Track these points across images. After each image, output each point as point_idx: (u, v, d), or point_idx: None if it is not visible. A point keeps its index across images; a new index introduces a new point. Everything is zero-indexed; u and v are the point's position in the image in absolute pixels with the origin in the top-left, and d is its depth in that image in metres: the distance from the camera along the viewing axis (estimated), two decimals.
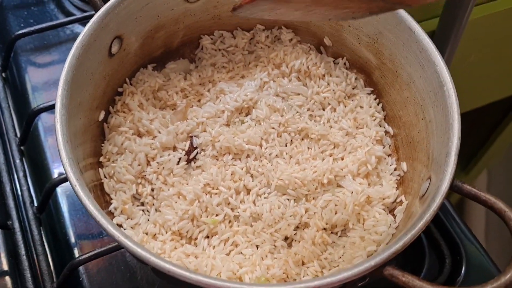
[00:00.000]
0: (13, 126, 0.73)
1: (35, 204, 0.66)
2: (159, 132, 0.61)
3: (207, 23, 0.67)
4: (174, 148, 0.61)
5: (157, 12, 0.61)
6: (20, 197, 0.67)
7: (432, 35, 0.91)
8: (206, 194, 0.57)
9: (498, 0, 0.93)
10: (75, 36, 0.84)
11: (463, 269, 0.64)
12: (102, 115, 0.59)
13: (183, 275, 0.39)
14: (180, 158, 0.60)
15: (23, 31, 0.76)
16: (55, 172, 0.69)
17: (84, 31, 0.52)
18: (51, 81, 0.80)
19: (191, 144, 0.61)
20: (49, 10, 0.91)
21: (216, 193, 0.58)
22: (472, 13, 0.85)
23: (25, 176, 0.68)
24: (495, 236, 1.48)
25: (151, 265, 0.40)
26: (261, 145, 0.62)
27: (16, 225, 0.64)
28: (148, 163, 0.60)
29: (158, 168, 0.59)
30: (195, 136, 0.62)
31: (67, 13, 0.89)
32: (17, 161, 0.69)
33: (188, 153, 0.61)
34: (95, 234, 0.66)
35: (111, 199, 0.57)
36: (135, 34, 0.60)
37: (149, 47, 0.64)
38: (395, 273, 0.41)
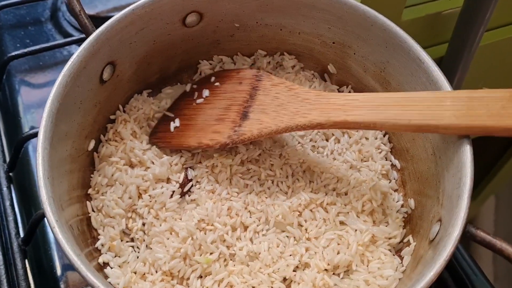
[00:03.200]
0: (2, 151, 0.70)
1: (21, 235, 0.63)
2: (152, 163, 0.58)
3: (206, 48, 0.64)
4: (168, 180, 0.58)
5: (153, 37, 0.58)
6: (6, 228, 0.63)
7: (440, 61, 0.87)
8: (200, 231, 0.54)
9: (510, 25, 0.90)
10: None
11: None
12: (92, 144, 0.56)
13: None
14: (173, 191, 0.56)
15: (17, 52, 0.74)
16: None
17: (73, 58, 0.49)
18: (45, 104, 0.77)
19: (186, 176, 0.58)
20: (47, 30, 0.89)
21: (211, 230, 0.54)
22: (483, 39, 0.82)
23: (11, 205, 0.65)
24: (504, 274, 1.43)
25: None
26: (260, 178, 0.59)
27: (0, 258, 0.60)
28: (140, 196, 0.56)
29: (150, 202, 0.56)
30: (190, 167, 0.59)
31: (65, 34, 0.87)
32: (4, 188, 0.66)
33: (182, 186, 0.57)
34: None
35: (99, 234, 0.53)
36: (129, 60, 0.57)
37: (144, 73, 0.61)
38: None
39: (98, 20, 0.78)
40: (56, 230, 0.39)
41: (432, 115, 0.46)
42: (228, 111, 0.58)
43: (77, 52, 0.49)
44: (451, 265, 0.64)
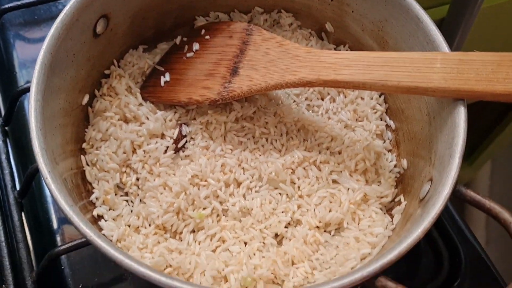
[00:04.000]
0: None
1: (17, 188, 0.63)
2: (147, 119, 0.58)
3: (202, 3, 0.63)
4: (162, 136, 0.58)
5: None
6: (1, 181, 0.64)
7: (440, 23, 0.86)
8: (194, 186, 0.54)
9: None
10: None
11: (462, 272, 0.61)
12: (86, 99, 0.56)
13: (157, 280, 0.37)
14: (167, 147, 0.57)
15: (11, 5, 0.72)
16: None
17: (65, 10, 0.48)
18: None
19: (180, 132, 0.58)
20: None
21: (204, 185, 0.55)
22: (485, 0, 0.80)
23: (7, 158, 0.65)
24: (496, 238, 1.44)
25: (124, 268, 0.37)
26: (254, 136, 0.59)
27: None
28: (134, 151, 0.57)
29: (144, 157, 0.56)
30: (184, 123, 0.59)
31: None
32: (0, 142, 0.66)
33: (176, 141, 0.57)
34: None
35: (93, 188, 0.54)
36: (123, 14, 0.56)
37: (139, 27, 0.60)
38: (388, 285, 0.38)
39: None
40: (49, 180, 0.39)
41: (422, 78, 0.46)
42: (218, 66, 0.58)
43: (70, 3, 0.48)
44: (442, 227, 0.65)
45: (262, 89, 0.54)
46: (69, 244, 0.54)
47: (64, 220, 0.63)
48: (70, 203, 0.39)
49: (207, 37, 0.60)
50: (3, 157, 0.65)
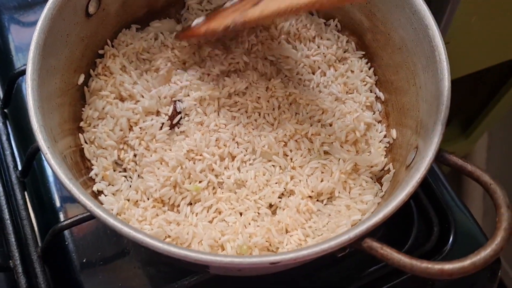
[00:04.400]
0: None
1: (19, 168, 0.65)
2: (142, 97, 0.59)
3: None
4: (157, 113, 0.60)
5: None
6: (3, 161, 0.66)
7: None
8: (189, 161, 0.56)
9: None
10: None
11: (451, 237, 0.63)
12: (81, 79, 0.57)
13: (156, 246, 0.39)
14: (163, 123, 0.58)
15: None
16: None
17: None
18: None
19: (175, 109, 0.59)
20: None
21: (199, 160, 0.57)
22: None
23: (8, 140, 0.67)
24: (493, 217, 1.46)
25: (124, 236, 0.39)
26: (247, 110, 0.60)
27: (0, 190, 0.63)
28: (131, 128, 0.58)
29: (141, 134, 0.58)
30: (178, 100, 0.60)
31: None
32: (0, 124, 0.67)
33: (171, 118, 0.59)
34: None
35: (92, 165, 0.56)
36: None
37: (131, 6, 0.61)
38: (373, 246, 0.40)
39: None
40: (48, 156, 0.41)
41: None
42: (247, 2, 0.57)
43: None
44: (433, 196, 0.66)
45: (274, 12, 0.51)
46: (72, 219, 0.56)
47: (66, 198, 0.65)
48: (70, 177, 0.41)
49: None
50: (4, 138, 0.66)
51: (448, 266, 0.38)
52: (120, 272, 0.61)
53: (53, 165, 0.41)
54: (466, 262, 0.38)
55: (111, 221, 0.39)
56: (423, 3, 0.52)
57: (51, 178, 0.66)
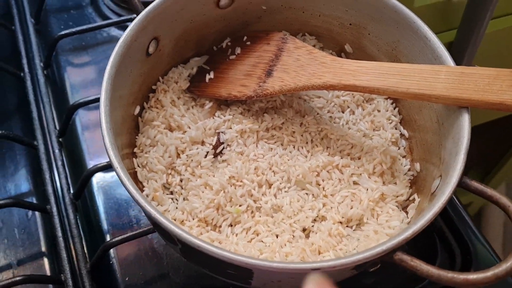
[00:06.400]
0: (53, 119, 0.79)
1: (72, 191, 0.71)
2: (189, 127, 0.66)
3: (236, 28, 0.72)
4: (202, 143, 0.66)
5: (191, 16, 0.66)
6: (58, 184, 0.72)
7: (449, 46, 0.94)
8: (231, 186, 0.62)
9: None
10: (111, 38, 0.90)
11: (472, 267, 0.67)
12: (137, 110, 0.64)
13: (212, 250, 0.44)
14: (207, 152, 0.64)
15: (66, 31, 0.82)
16: (90, 163, 0.74)
17: (126, 32, 0.57)
18: (88, 80, 0.86)
19: (218, 139, 0.66)
20: (87, 14, 0.97)
21: (240, 185, 0.62)
22: (489, 26, 0.88)
23: (63, 165, 0.73)
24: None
25: (182, 241, 0.44)
26: (282, 143, 0.66)
27: (54, 210, 0.69)
28: (178, 156, 0.64)
29: (187, 161, 0.64)
30: (222, 132, 0.66)
31: (104, 17, 0.95)
32: (56, 151, 0.74)
33: (215, 147, 0.65)
34: (125, 222, 0.71)
35: (144, 186, 0.62)
36: (169, 36, 0.65)
37: (182, 49, 0.69)
38: (404, 258, 0.45)
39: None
40: (119, 170, 0.47)
41: (427, 86, 0.54)
42: (255, 68, 0.66)
43: (130, 26, 0.57)
44: (455, 229, 0.71)
45: (291, 89, 0.62)
46: (122, 237, 0.62)
47: (113, 222, 0.71)
48: (136, 188, 0.47)
49: (248, 43, 0.69)
50: (59, 163, 0.73)
51: (472, 276, 0.42)
52: None
53: (123, 178, 0.47)
54: (489, 273, 0.42)
55: (172, 227, 0.45)
56: (444, 49, 0.59)
57: (99, 203, 0.72)
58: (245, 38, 0.70)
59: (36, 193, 0.74)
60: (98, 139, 0.77)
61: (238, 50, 0.69)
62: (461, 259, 0.68)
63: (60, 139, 0.77)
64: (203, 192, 0.61)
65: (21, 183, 0.75)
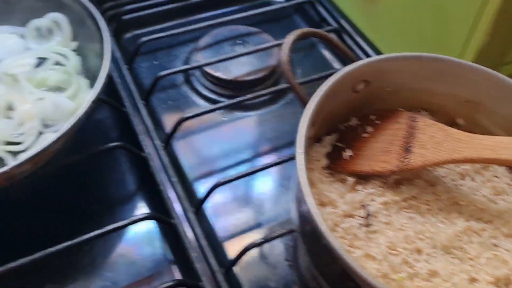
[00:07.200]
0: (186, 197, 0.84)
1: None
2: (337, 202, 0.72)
3: (361, 106, 0.79)
4: (351, 215, 0.72)
5: (336, 100, 0.73)
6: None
7: None
8: (390, 255, 0.67)
9: None
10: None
11: None
12: None
13: None
14: (360, 224, 0.70)
15: (189, 115, 0.88)
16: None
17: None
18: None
19: (368, 211, 0.72)
20: (183, 92, 1.04)
21: (395, 254, 0.68)
22: None
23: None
24: None
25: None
26: (419, 212, 0.73)
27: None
28: (333, 229, 0.70)
29: (344, 233, 0.69)
30: (368, 204, 0.73)
31: (199, 94, 1.02)
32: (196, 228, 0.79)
33: (365, 219, 0.71)
34: None
35: None
36: (319, 121, 0.72)
37: (318, 131, 0.76)
38: None
39: (236, 84, 0.94)
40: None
41: None
42: (391, 145, 0.73)
43: (302, 121, 0.64)
44: None
45: (433, 164, 0.69)
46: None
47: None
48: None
49: (377, 121, 0.76)
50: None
51: None
52: None
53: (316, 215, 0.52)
54: None
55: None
56: None
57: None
58: (372, 117, 0.78)
59: None
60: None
61: (369, 128, 0.77)
62: None
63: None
64: (367, 263, 0.67)
65: None
